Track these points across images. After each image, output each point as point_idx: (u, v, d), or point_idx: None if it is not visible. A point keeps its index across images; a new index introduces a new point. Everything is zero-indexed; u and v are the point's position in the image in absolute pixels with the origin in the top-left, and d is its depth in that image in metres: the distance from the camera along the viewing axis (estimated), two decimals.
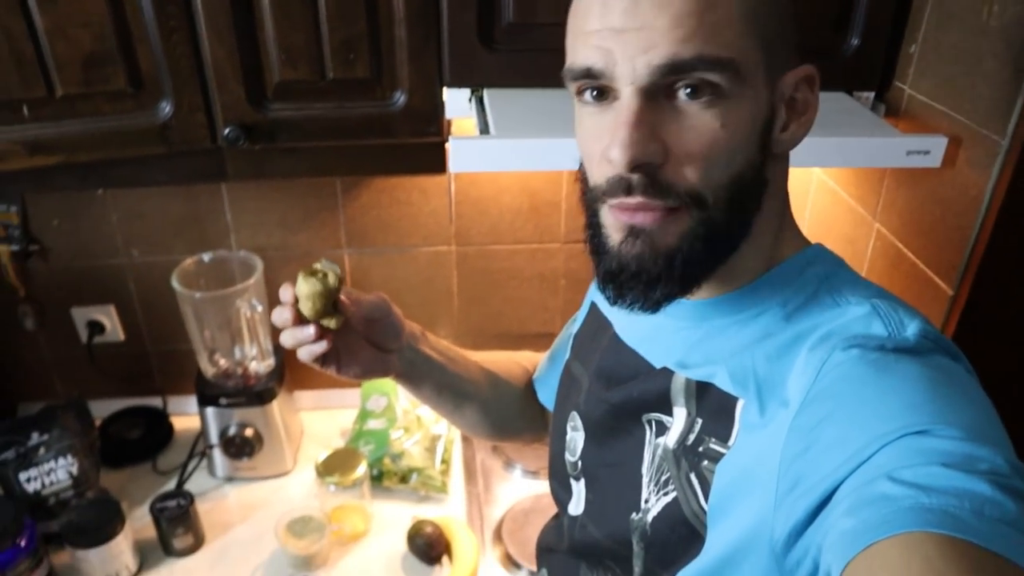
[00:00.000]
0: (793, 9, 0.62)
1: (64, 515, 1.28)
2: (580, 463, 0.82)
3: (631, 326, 0.78)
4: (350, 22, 1.03)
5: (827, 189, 1.40)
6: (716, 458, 0.64)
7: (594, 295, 0.90)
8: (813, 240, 0.70)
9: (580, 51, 0.59)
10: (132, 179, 1.16)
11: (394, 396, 1.63)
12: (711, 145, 0.57)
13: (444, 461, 1.55)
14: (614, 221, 0.62)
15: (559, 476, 0.87)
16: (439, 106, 1.12)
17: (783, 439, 0.58)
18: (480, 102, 1.11)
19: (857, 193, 1.30)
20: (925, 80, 1.11)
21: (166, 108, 1.06)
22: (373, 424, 1.59)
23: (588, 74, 0.59)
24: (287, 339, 0.81)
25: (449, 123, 1.19)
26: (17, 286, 1.49)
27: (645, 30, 0.55)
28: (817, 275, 0.66)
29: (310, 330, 0.78)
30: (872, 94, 1.19)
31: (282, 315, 0.80)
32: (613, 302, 0.65)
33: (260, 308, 1.39)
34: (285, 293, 0.79)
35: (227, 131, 1.07)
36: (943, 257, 1.08)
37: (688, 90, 0.56)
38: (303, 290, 0.77)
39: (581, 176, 0.67)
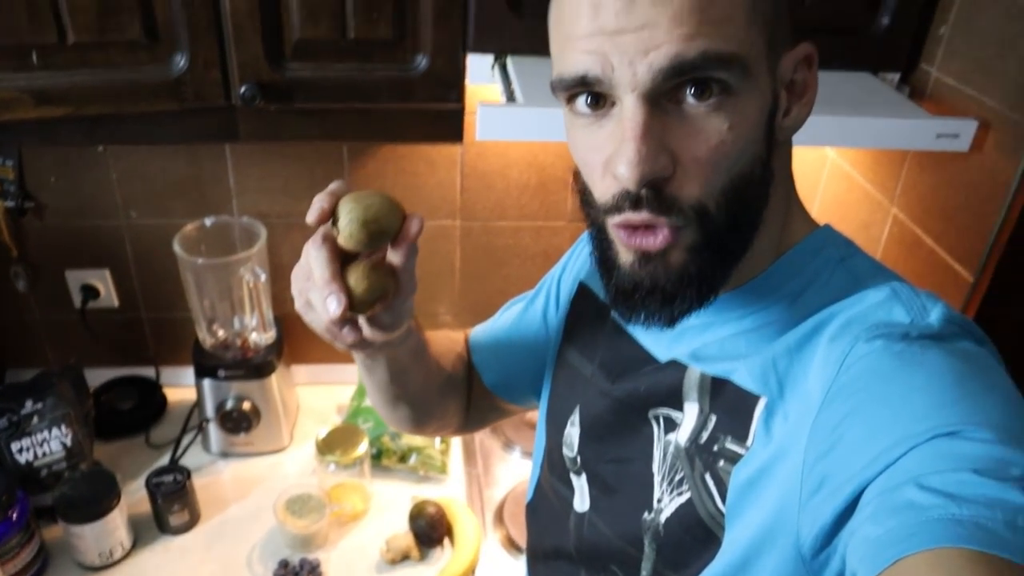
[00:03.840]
0: None
1: (57, 488, 1.24)
2: (579, 458, 0.78)
3: (649, 335, 0.74)
4: None
5: (841, 173, 1.39)
6: (733, 458, 0.62)
7: (587, 278, 0.84)
8: (823, 223, 0.68)
9: (570, 58, 0.54)
10: (141, 135, 1.12)
11: None
12: (718, 150, 0.53)
13: (444, 441, 1.53)
14: (625, 242, 0.58)
15: (558, 470, 0.82)
16: (461, 71, 1.09)
17: (806, 437, 0.55)
18: (504, 69, 1.08)
19: (874, 177, 1.29)
20: (954, 62, 1.10)
21: (181, 62, 1.02)
22: None
23: (582, 82, 0.54)
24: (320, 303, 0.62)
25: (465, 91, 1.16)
26: (10, 245, 1.44)
27: (644, 29, 0.50)
28: (830, 259, 0.63)
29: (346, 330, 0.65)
30: (897, 75, 1.17)
31: (320, 255, 0.61)
32: (627, 319, 0.61)
33: (263, 277, 1.36)
34: (317, 211, 0.62)
35: (243, 89, 1.04)
36: (965, 244, 1.07)
37: (694, 90, 0.52)
38: (355, 213, 0.60)
39: (580, 187, 0.62)
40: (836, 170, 1.41)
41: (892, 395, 0.52)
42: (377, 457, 1.48)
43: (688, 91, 0.52)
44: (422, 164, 1.49)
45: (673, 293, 0.57)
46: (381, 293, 0.62)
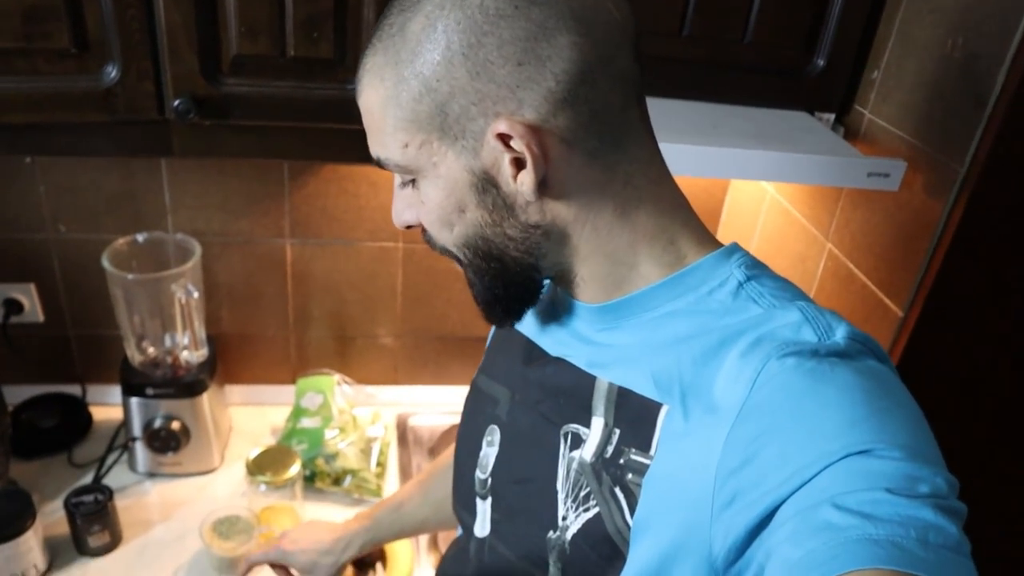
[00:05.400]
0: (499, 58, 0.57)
1: None
2: (490, 480, 0.78)
3: (544, 330, 0.75)
4: None
5: (779, 208, 1.42)
6: (640, 470, 0.62)
7: None
8: (766, 255, 0.70)
9: None
10: (69, 147, 1.08)
11: (330, 394, 1.58)
12: (425, 218, 0.65)
13: (380, 464, 1.51)
14: None
15: (464, 498, 0.83)
16: None
17: (719, 451, 0.56)
18: None
19: (810, 213, 1.31)
20: (886, 105, 1.13)
21: (112, 73, 0.99)
22: (307, 423, 1.53)
23: None
24: None
25: None
26: None
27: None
28: (735, 277, 0.64)
29: None
30: (832, 116, 1.20)
31: None
32: (487, 322, 0.73)
33: (196, 294, 1.33)
34: None
35: (177, 103, 1.01)
36: (895, 279, 1.09)
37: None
38: None
39: None
40: (774, 205, 1.44)
41: (805, 412, 0.53)
42: (311, 479, 1.45)
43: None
44: (364, 185, 1.47)
45: (483, 305, 0.70)
46: None
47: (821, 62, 1.13)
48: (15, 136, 1.05)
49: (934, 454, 0.52)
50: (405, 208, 0.67)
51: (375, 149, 0.64)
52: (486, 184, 0.61)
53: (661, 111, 0.67)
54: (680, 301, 0.64)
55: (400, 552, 1.31)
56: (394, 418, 1.65)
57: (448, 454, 0.99)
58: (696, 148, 1.03)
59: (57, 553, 1.27)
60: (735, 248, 0.66)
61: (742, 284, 0.63)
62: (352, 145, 1.11)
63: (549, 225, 0.63)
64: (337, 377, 1.63)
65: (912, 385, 0.58)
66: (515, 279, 0.67)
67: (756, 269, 0.65)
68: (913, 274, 1.05)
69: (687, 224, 0.66)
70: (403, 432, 1.63)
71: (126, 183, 1.41)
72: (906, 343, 1.07)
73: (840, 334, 0.58)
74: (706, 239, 0.67)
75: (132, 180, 1.41)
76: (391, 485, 1.50)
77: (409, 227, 0.68)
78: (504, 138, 0.58)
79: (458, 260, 0.67)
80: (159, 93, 1.02)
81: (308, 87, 1.05)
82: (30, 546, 1.20)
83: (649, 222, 0.65)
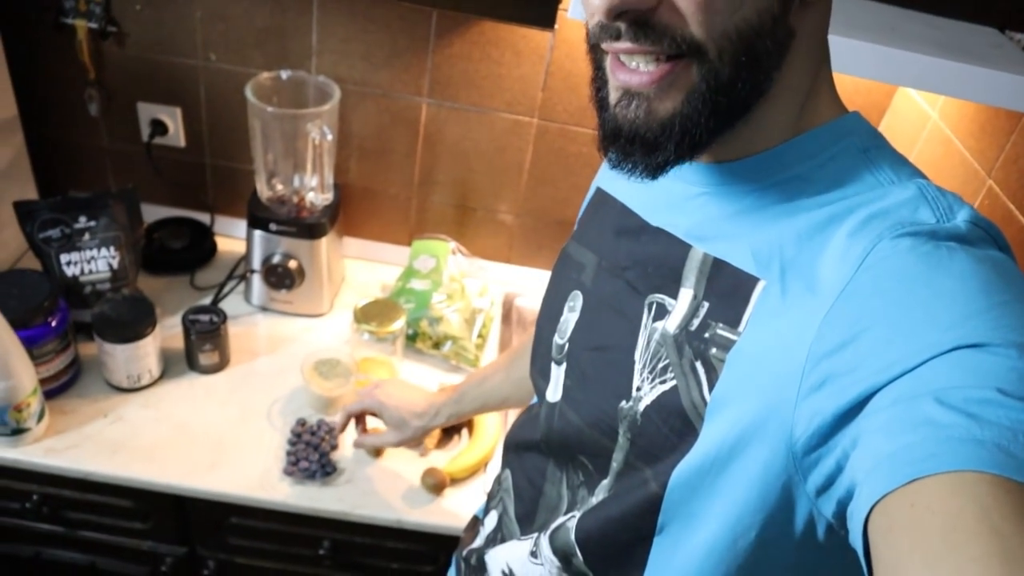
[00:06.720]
0: None
1: (98, 306, 1.26)
2: (567, 346, 0.76)
3: (641, 196, 0.71)
4: None
5: (940, 137, 1.31)
6: (726, 345, 0.59)
7: (599, 180, 0.83)
8: None
9: None
10: None
11: (443, 260, 1.59)
12: None
13: (481, 336, 1.52)
14: (612, 79, 0.57)
15: (541, 362, 0.81)
16: None
17: (814, 332, 0.52)
18: None
19: (975, 144, 1.21)
20: None
21: None
22: (417, 284, 1.55)
23: None
24: None
25: None
26: (88, 67, 1.44)
27: None
28: (854, 147, 0.59)
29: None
30: None
31: None
32: (615, 165, 0.61)
33: (330, 137, 1.34)
34: None
35: None
36: None
37: None
38: None
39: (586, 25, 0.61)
40: (936, 133, 1.33)
41: (917, 299, 0.49)
42: (412, 339, 1.48)
43: None
44: (508, 53, 1.44)
45: (654, 143, 0.57)
46: None
47: None
48: None
49: None
50: None
51: None
52: None
53: (835, 4, 0.61)
54: (795, 168, 0.60)
55: (487, 423, 1.33)
56: (501, 295, 1.66)
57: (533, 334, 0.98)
58: (870, 46, 0.95)
59: (170, 364, 1.35)
60: (856, 116, 0.62)
61: (860, 155, 0.59)
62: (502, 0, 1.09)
63: (796, 35, 0.57)
64: (452, 245, 1.63)
65: None
66: (743, 91, 0.56)
67: (876, 139, 0.60)
68: None
69: (832, 81, 0.62)
70: (508, 310, 1.63)
71: (277, 18, 1.42)
72: None
73: (962, 217, 0.53)
74: (838, 100, 0.62)
75: (283, 16, 1.41)
76: (489, 358, 1.51)
77: (621, 14, 0.53)
78: None
79: (699, 56, 0.53)
80: None
81: None
82: (148, 351, 1.27)
83: (823, 67, 0.61)
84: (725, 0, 0.52)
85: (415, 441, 1.21)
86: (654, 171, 0.59)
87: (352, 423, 1.24)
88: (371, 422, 1.25)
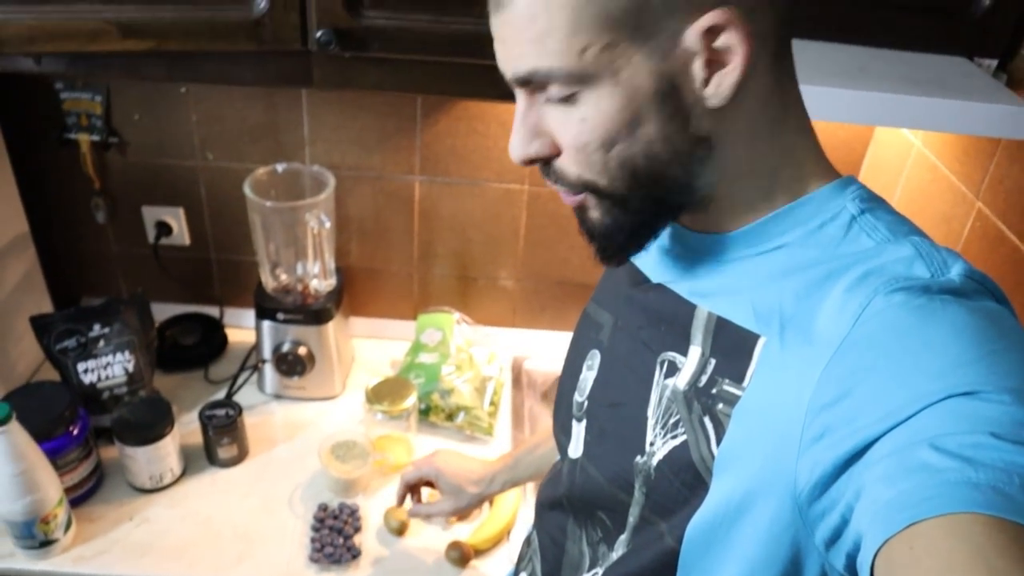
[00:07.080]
0: None
1: (116, 410, 1.29)
2: (586, 403, 0.79)
3: (650, 257, 0.74)
4: None
5: (926, 164, 1.33)
6: (732, 401, 0.61)
7: None
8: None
9: None
10: (219, 75, 1.14)
11: (449, 332, 1.62)
12: (578, 138, 0.59)
13: (493, 403, 1.54)
14: None
15: (562, 419, 0.84)
16: None
17: (813, 385, 0.54)
18: None
19: (960, 169, 1.23)
20: None
21: (262, 3, 1.03)
22: (425, 358, 1.58)
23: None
24: None
25: None
26: (93, 177, 1.50)
27: (503, 44, 0.59)
28: (847, 212, 0.61)
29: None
30: (995, 62, 1.12)
31: None
32: (598, 260, 0.68)
33: (328, 224, 1.38)
34: None
35: (319, 34, 1.05)
36: None
37: (545, 93, 0.59)
38: None
39: None
40: (920, 160, 1.35)
41: (909, 351, 0.50)
42: (425, 413, 1.50)
43: (539, 93, 0.59)
44: (494, 125, 1.48)
45: (605, 245, 0.65)
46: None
47: (985, 2, 1.05)
48: (171, 63, 1.12)
49: None
50: (533, 137, 0.61)
51: (529, 62, 0.57)
52: (669, 91, 0.56)
53: (802, 52, 0.63)
54: (790, 235, 0.62)
55: (506, 491, 1.34)
56: (509, 360, 1.68)
57: None
58: (842, 91, 0.98)
59: (191, 460, 1.37)
60: (851, 180, 0.64)
61: (855, 218, 0.61)
62: (486, 81, 1.13)
63: (718, 138, 0.59)
64: (457, 316, 1.66)
65: None
66: (660, 205, 0.62)
67: (871, 202, 0.62)
68: None
69: (814, 148, 0.64)
70: (517, 375, 1.65)
71: (269, 115, 1.47)
72: None
73: (956, 271, 0.55)
74: (826, 166, 0.65)
75: (275, 112, 1.47)
76: (503, 425, 1.53)
77: (530, 162, 0.62)
78: (712, 33, 0.54)
79: (595, 191, 0.61)
80: (303, 24, 1.06)
81: (445, 21, 1.06)
82: (168, 451, 1.29)
83: (788, 141, 0.63)
84: (598, 143, 0.58)
85: (468, 510, 1.22)
86: (619, 263, 0.68)
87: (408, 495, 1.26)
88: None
